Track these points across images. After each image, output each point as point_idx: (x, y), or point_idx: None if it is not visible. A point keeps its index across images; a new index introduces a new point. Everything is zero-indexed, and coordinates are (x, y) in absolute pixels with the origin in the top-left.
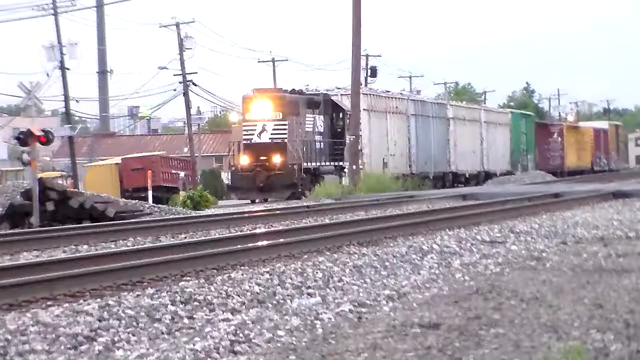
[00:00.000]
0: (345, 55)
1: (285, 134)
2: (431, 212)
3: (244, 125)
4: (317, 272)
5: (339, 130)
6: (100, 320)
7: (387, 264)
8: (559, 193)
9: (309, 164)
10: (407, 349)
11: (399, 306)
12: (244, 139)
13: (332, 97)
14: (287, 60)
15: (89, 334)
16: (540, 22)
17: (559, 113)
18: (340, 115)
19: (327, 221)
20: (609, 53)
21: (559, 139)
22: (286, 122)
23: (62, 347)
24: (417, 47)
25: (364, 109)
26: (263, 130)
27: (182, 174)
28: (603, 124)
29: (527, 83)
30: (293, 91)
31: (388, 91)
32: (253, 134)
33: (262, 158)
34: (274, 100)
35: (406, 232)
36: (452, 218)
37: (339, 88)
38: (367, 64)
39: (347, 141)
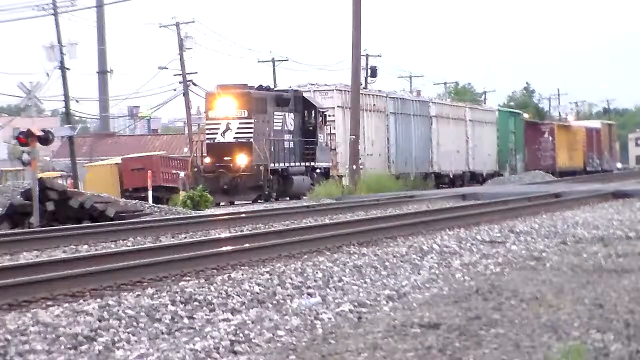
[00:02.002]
0: (345, 55)
1: (250, 132)
2: (431, 212)
3: (207, 124)
4: (317, 272)
5: (311, 128)
6: (100, 320)
7: (387, 264)
8: (559, 193)
9: (277, 164)
10: (407, 349)
11: (399, 306)
12: (207, 138)
13: (304, 94)
14: (287, 60)
15: (89, 334)
16: (540, 23)
17: (559, 113)
18: (313, 113)
19: (327, 221)
20: (609, 53)
21: (550, 138)
22: (252, 121)
23: (62, 347)
24: (417, 47)
25: (337, 106)
26: (227, 129)
27: (182, 174)
28: (595, 123)
29: (527, 83)
30: (260, 87)
31: (365, 88)
32: (217, 133)
33: (226, 158)
34: (239, 97)
35: (406, 232)
36: (452, 218)
37: (312, 84)
38: (367, 64)
39: (320, 140)
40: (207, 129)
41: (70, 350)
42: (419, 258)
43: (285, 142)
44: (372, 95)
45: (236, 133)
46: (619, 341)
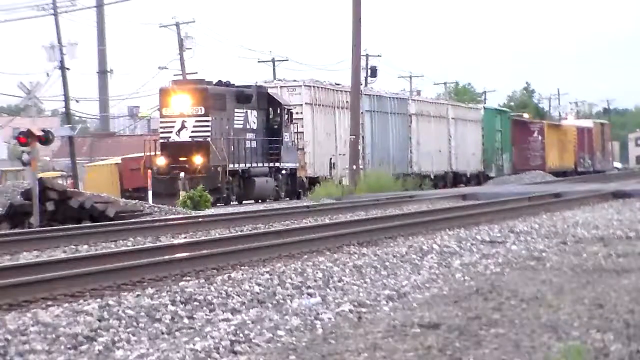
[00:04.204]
0: (345, 55)
1: (208, 131)
2: (431, 212)
3: (161, 122)
4: (317, 272)
5: (276, 127)
6: (100, 320)
7: (387, 264)
8: (559, 193)
9: (237, 165)
10: (407, 349)
11: (399, 306)
12: (161, 137)
13: (269, 91)
14: (287, 60)
15: (89, 334)
16: (540, 22)
17: (559, 113)
18: (278, 111)
19: (327, 221)
20: (609, 53)
21: (540, 137)
22: (209, 118)
23: (62, 347)
24: (417, 47)
25: (306, 103)
26: (182, 127)
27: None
28: (587, 123)
29: (527, 83)
30: (219, 83)
31: (338, 84)
32: (171, 132)
33: (181, 159)
34: (195, 94)
35: (406, 232)
36: (452, 218)
37: (279, 80)
38: (367, 64)
39: (286, 139)
40: (161, 127)
41: (70, 350)
42: (419, 258)
43: (246, 142)
44: (345, 91)
45: (192, 132)
46: (619, 341)
